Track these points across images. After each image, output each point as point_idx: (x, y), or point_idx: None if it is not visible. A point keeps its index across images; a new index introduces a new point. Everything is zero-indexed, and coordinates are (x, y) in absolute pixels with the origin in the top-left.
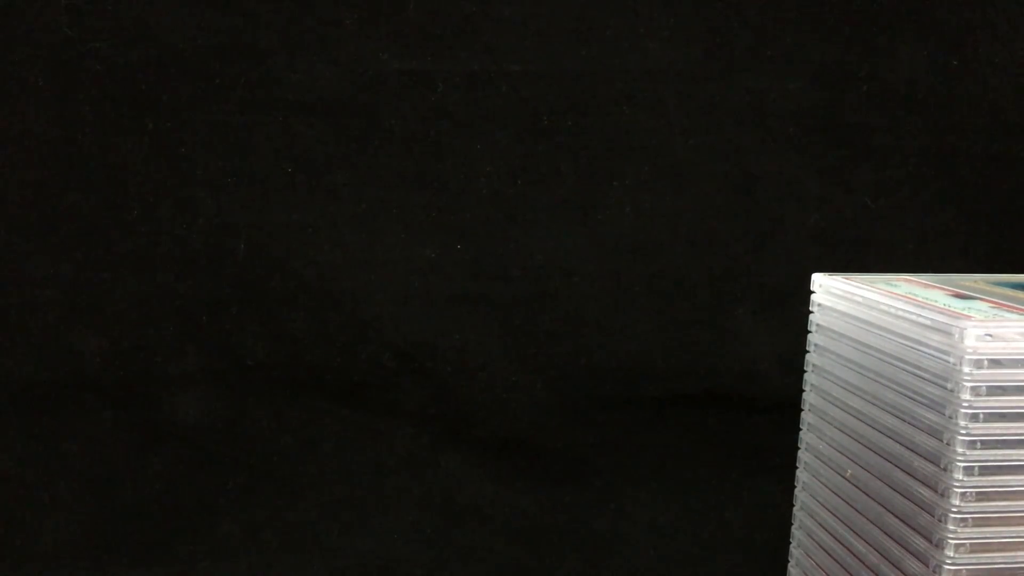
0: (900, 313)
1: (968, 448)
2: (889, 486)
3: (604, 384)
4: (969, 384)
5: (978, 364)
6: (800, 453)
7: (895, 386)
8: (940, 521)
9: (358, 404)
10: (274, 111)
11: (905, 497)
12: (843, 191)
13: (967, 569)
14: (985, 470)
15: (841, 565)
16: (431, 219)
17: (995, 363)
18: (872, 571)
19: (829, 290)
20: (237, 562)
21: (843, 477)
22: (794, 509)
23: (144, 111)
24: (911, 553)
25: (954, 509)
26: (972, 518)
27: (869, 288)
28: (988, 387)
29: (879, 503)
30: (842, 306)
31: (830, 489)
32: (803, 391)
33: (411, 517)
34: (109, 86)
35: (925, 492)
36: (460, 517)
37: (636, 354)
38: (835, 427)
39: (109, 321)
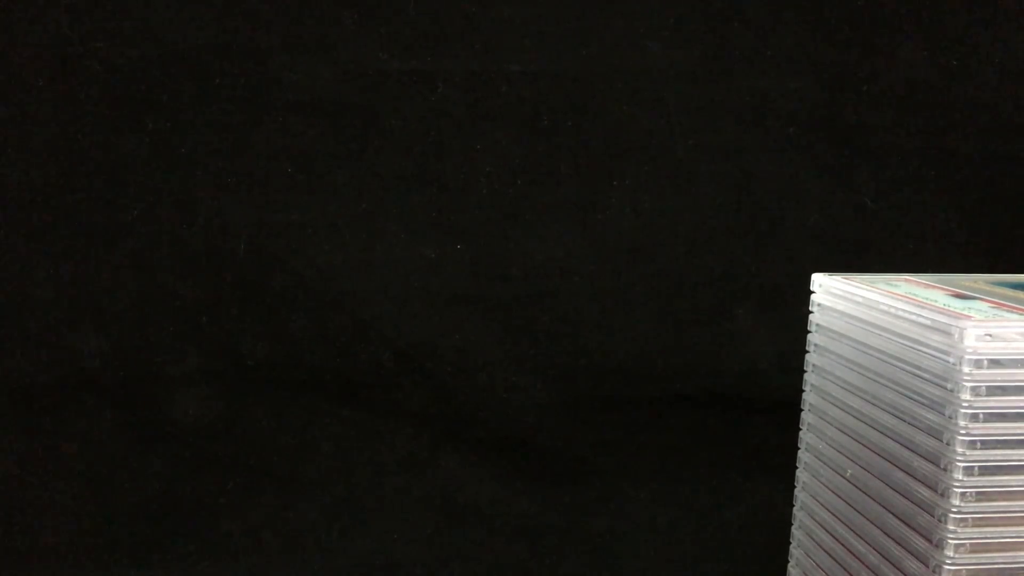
0: (900, 313)
1: (968, 448)
2: (889, 486)
3: (604, 384)
4: (969, 384)
5: (978, 364)
6: (800, 453)
7: (895, 386)
8: (940, 521)
9: (358, 404)
10: (274, 111)
11: (905, 497)
12: (843, 191)
13: (967, 569)
14: (985, 470)
15: (841, 565)
16: (431, 219)
17: (995, 363)
18: (872, 571)
19: (829, 290)
20: (237, 562)
21: (843, 477)
22: (794, 509)
23: (144, 111)
24: (911, 553)
25: (954, 509)
26: (972, 518)
27: (869, 288)
28: (988, 387)
29: (879, 503)
30: (842, 306)
31: (830, 489)
32: (803, 391)
33: (411, 517)
34: (109, 86)
35: (925, 492)
36: (460, 517)
37: (636, 354)
38: (835, 427)
39: (109, 321)
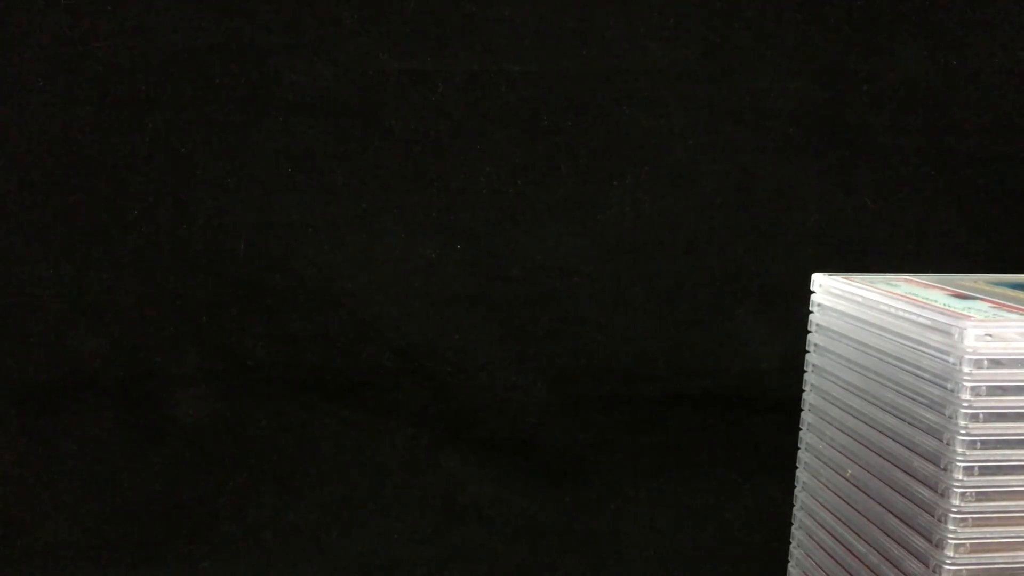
0: (900, 313)
1: (968, 448)
2: (889, 486)
3: (604, 384)
4: (969, 384)
5: (978, 364)
6: (800, 453)
7: (895, 386)
8: (940, 521)
9: (358, 404)
10: (274, 111)
11: (905, 497)
12: (843, 191)
13: (967, 569)
14: (985, 470)
15: (841, 565)
16: (431, 219)
17: (995, 363)
18: (872, 571)
19: (829, 290)
20: (237, 562)
21: (843, 477)
22: (794, 509)
23: (144, 111)
24: (911, 553)
25: (954, 509)
26: (972, 518)
27: (869, 288)
28: (988, 387)
29: (879, 503)
30: (842, 306)
31: (830, 489)
32: (803, 391)
33: (411, 517)
34: (109, 86)
35: (925, 492)
36: (460, 517)
37: (636, 354)
38: (835, 427)
39: (109, 321)
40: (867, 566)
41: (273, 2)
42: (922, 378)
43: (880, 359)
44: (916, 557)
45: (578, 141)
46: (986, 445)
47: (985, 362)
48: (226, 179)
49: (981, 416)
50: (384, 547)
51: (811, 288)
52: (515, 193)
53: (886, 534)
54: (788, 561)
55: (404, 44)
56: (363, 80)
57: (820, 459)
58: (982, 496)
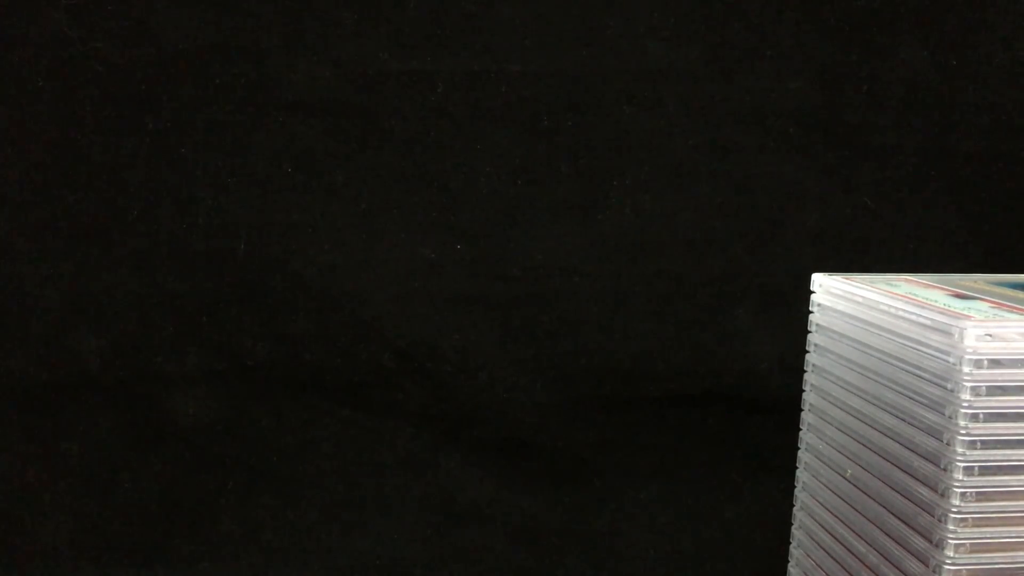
0: (900, 313)
1: (968, 448)
2: (889, 486)
3: (604, 384)
4: (969, 384)
5: (978, 364)
6: (800, 453)
7: (895, 386)
8: (940, 521)
9: (358, 404)
10: (274, 111)
11: (905, 497)
12: (843, 191)
13: (967, 569)
14: (985, 470)
15: (841, 565)
16: (431, 219)
17: (995, 363)
18: (872, 571)
19: (829, 290)
20: (237, 562)
21: (843, 477)
22: (794, 509)
23: (144, 111)
24: (911, 553)
25: (954, 509)
26: (972, 518)
27: (869, 288)
28: (988, 387)
29: (879, 503)
30: (842, 306)
31: (830, 489)
32: (803, 391)
33: (411, 517)
34: (109, 86)
35: (925, 492)
36: (460, 517)
37: (636, 354)
38: (835, 427)
39: (109, 321)
40: (867, 566)
41: (273, 2)
42: (922, 378)
43: (880, 359)
44: (916, 557)
45: (578, 141)
46: (986, 445)
47: (985, 362)
48: (226, 179)
49: (981, 416)
50: (384, 547)
51: (811, 288)
52: (515, 193)
53: (886, 534)
54: (788, 561)
55: (404, 44)
56: (363, 80)
57: (820, 459)
58: (982, 496)
